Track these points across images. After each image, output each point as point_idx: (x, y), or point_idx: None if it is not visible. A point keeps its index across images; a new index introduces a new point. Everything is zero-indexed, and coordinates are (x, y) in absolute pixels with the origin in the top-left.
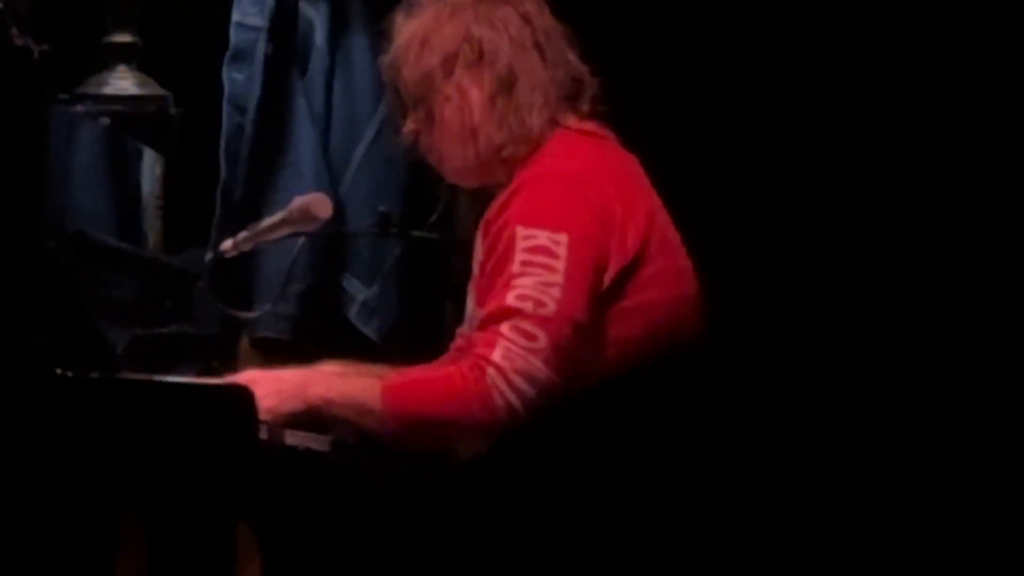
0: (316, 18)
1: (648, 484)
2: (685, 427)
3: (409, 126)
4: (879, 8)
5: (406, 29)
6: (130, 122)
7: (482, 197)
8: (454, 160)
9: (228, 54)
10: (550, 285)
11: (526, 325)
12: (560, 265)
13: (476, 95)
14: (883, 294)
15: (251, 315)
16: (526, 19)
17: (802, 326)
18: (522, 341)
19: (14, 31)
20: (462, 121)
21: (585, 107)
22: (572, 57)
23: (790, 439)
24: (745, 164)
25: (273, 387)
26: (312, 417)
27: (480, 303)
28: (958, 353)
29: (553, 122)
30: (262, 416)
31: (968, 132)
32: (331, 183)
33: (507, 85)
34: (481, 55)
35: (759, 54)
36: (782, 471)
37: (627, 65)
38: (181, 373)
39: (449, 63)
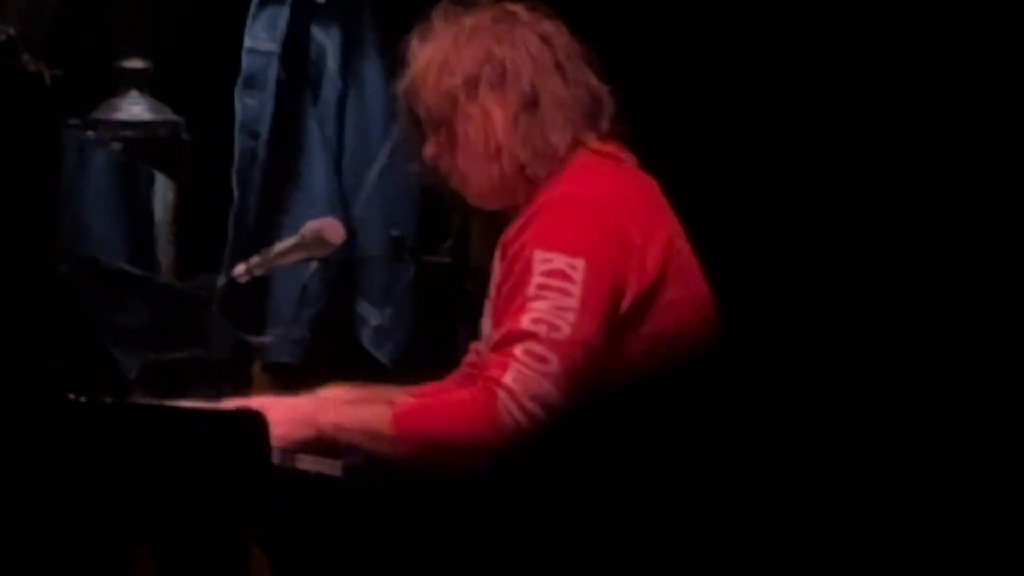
0: (328, 43)
1: (652, 500)
2: (697, 438)
3: (430, 149)
4: (886, 15)
5: (423, 53)
6: (142, 147)
7: (496, 221)
8: (478, 181)
9: (240, 79)
10: (565, 309)
11: (539, 348)
12: (576, 290)
13: (500, 115)
14: (888, 296)
15: (263, 340)
16: (545, 39)
17: (811, 334)
18: (534, 364)
19: (27, 57)
20: (486, 140)
21: (605, 126)
22: (592, 76)
23: (801, 453)
24: (751, 173)
25: (285, 414)
26: (323, 443)
27: (495, 324)
28: (966, 354)
29: (576, 141)
30: (274, 443)
31: (972, 133)
32: (343, 208)
33: (530, 103)
34: (504, 75)
35: (765, 70)
36: (791, 486)
37: (639, 82)
38: (193, 398)
39: (472, 84)
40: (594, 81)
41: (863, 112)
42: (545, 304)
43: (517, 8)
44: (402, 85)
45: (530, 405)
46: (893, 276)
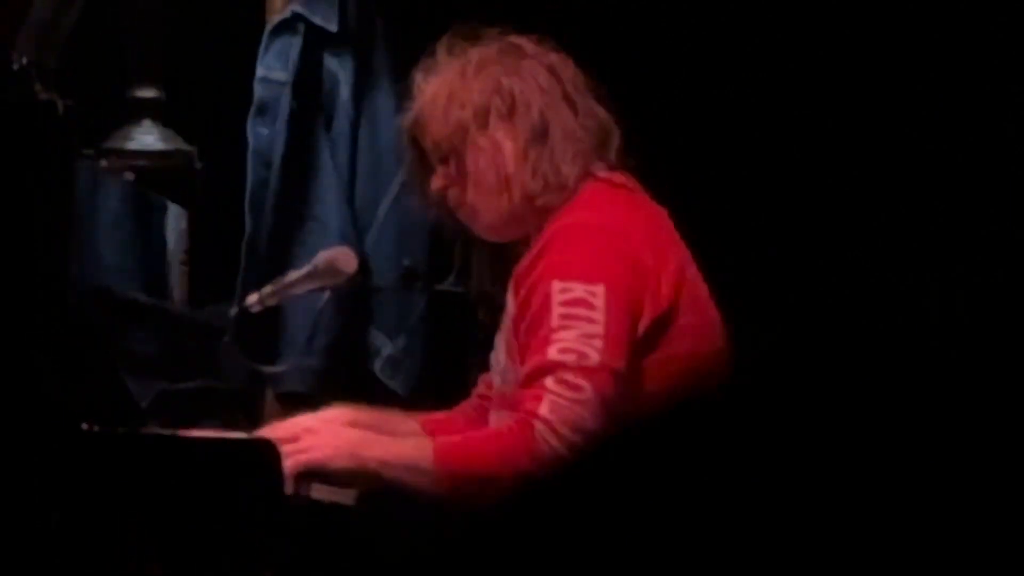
0: (341, 72)
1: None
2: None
3: (438, 182)
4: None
5: (428, 87)
6: (155, 177)
7: (500, 251)
8: (487, 213)
9: (253, 108)
10: (592, 337)
11: (570, 377)
12: (599, 316)
13: (510, 146)
14: (894, 301)
15: (276, 369)
16: (553, 71)
17: (819, 356)
18: (568, 393)
19: (39, 86)
20: (496, 172)
21: (613, 157)
22: (600, 107)
23: (813, 473)
24: (758, 200)
25: (330, 440)
26: (360, 476)
27: (519, 360)
28: (971, 356)
29: (586, 172)
30: (310, 466)
31: (979, 137)
32: (356, 237)
33: (540, 134)
34: (513, 106)
35: (773, 101)
36: (806, 505)
37: (645, 110)
38: (206, 428)
39: (482, 115)
40: (602, 113)
41: (867, 137)
42: (571, 333)
43: (523, 41)
44: (407, 120)
45: (567, 433)
46: (903, 300)
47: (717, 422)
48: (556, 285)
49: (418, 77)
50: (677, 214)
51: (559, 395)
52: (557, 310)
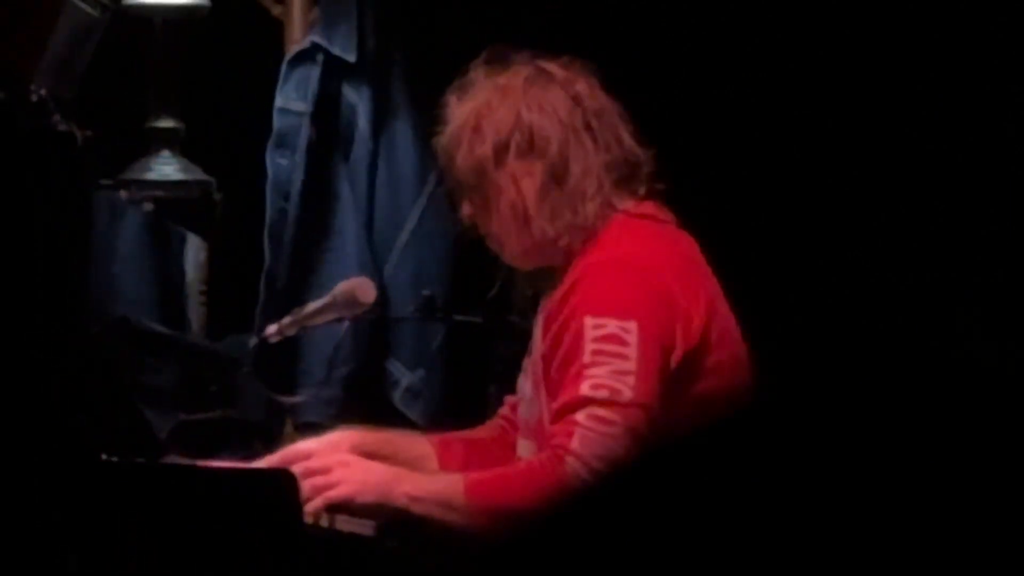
0: (359, 103)
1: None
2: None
3: (466, 211)
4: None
5: (459, 112)
6: (173, 207)
7: (537, 278)
8: (511, 245)
9: (271, 139)
10: (625, 373)
11: (602, 412)
12: (632, 352)
13: (528, 185)
14: (924, 315)
15: (295, 400)
16: (577, 100)
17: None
18: (599, 427)
19: (57, 117)
20: (515, 212)
21: (641, 189)
22: (626, 136)
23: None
24: (787, 228)
25: (361, 476)
26: (387, 511)
27: (551, 395)
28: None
29: (608, 206)
30: (339, 501)
31: (997, 142)
32: (375, 267)
33: (559, 175)
34: (532, 143)
35: (797, 122)
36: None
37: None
38: (225, 458)
39: (501, 151)
40: (629, 141)
41: (885, 152)
42: (603, 370)
43: (552, 67)
44: (440, 142)
45: (599, 466)
46: (932, 297)
47: (736, 446)
48: (589, 321)
49: (451, 99)
50: (705, 239)
51: (590, 429)
52: (590, 346)
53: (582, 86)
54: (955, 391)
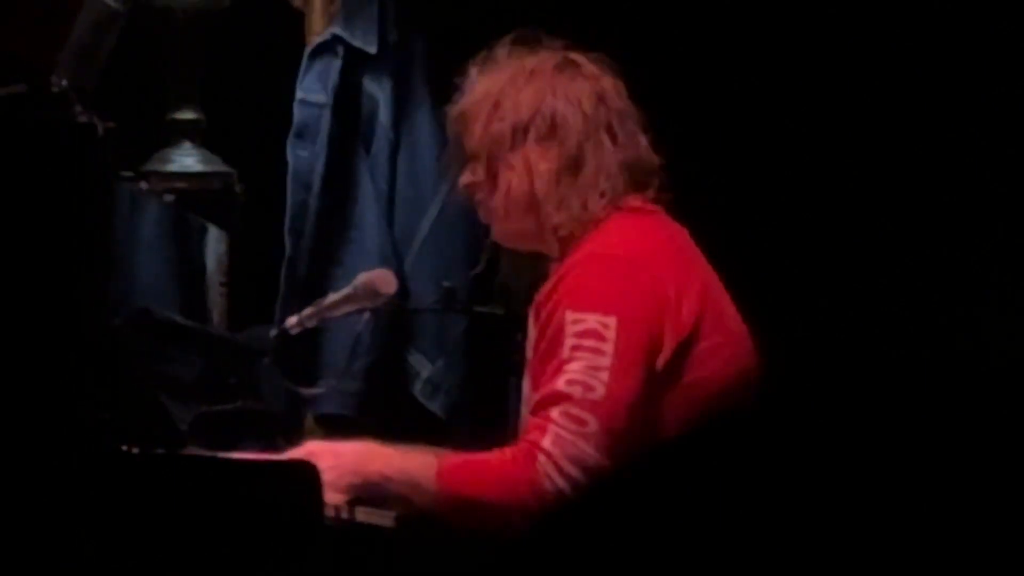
0: (380, 95)
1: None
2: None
3: (466, 178)
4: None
5: (480, 85)
6: (194, 199)
7: (532, 271)
8: (507, 224)
9: (292, 131)
10: (599, 369)
11: (575, 410)
12: (609, 348)
13: (542, 169)
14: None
15: (316, 391)
16: (601, 97)
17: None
18: (572, 426)
19: (78, 108)
20: (523, 192)
21: (651, 195)
22: (643, 142)
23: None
24: (781, 213)
25: (332, 461)
26: (368, 491)
27: (534, 387)
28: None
29: (615, 206)
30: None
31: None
32: (396, 259)
33: (574, 165)
34: (553, 129)
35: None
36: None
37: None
38: (246, 450)
39: (520, 132)
40: (645, 148)
41: (899, 161)
42: (579, 365)
43: (581, 59)
44: (454, 111)
45: (569, 468)
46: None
47: (741, 444)
48: (569, 315)
49: (472, 71)
50: (699, 229)
51: (563, 428)
52: (569, 341)
53: (608, 84)
54: (963, 389)
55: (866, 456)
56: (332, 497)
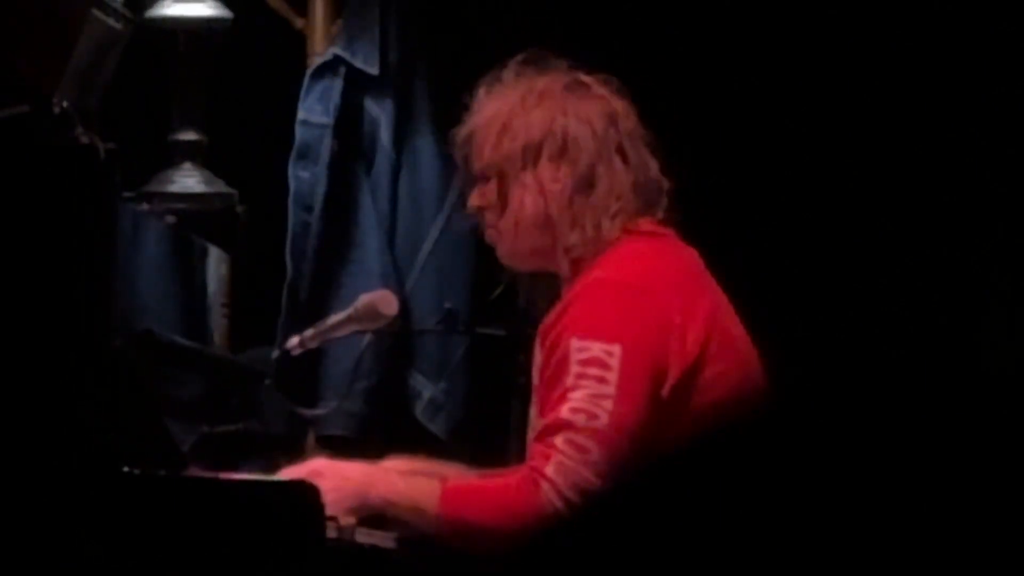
0: (382, 116)
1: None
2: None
3: (474, 200)
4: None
5: (488, 106)
6: (196, 220)
7: (541, 293)
8: (517, 244)
9: (294, 152)
10: (603, 397)
11: (579, 438)
12: (612, 377)
13: (555, 189)
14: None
15: (317, 412)
16: (612, 118)
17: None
18: (575, 455)
19: (80, 130)
20: (536, 212)
21: (660, 216)
22: (652, 164)
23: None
24: (790, 236)
25: (336, 483)
26: (371, 514)
27: (540, 414)
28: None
29: (626, 228)
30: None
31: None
32: (397, 280)
33: (587, 185)
34: (565, 149)
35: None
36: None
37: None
38: (247, 471)
39: (532, 152)
40: (654, 169)
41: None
42: (583, 393)
43: (590, 80)
44: (462, 132)
45: (572, 496)
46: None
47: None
48: (574, 343)
49: (480, 92)
50: (709, 251)
51: (566, 455)
52: (573, 368)
53: (619, 105)
54: (969, 394)
55: (870, 467)
56: (334, 519)
